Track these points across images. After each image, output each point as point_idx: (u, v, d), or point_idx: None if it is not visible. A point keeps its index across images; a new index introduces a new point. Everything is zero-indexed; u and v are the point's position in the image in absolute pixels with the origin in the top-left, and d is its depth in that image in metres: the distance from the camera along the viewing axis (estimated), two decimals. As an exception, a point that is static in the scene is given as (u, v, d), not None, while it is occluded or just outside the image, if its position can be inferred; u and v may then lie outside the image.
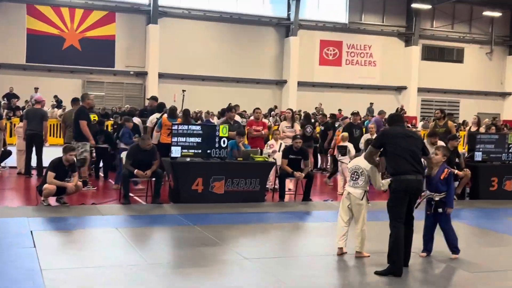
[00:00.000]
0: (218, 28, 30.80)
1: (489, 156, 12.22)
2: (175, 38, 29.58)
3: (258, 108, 13.55)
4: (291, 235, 8.49)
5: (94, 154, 12.90)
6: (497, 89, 36.64)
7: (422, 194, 6.74)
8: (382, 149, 6.47)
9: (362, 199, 6.74)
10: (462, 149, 16.24)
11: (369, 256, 6.78)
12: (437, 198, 6.83)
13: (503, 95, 36.78)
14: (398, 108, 31.50)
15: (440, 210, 6.83)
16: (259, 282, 5.83)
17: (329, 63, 33.15)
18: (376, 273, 6.10)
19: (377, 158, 6.69)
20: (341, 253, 6.83)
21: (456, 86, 35.24)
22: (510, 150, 12.34)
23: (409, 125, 27.78)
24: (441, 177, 6.83)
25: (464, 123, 29.65)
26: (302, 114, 19.26)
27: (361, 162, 6.82)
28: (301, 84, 31.85)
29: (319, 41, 32.87)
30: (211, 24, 30.62)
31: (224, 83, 30.64)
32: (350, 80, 33.23)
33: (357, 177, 6.78)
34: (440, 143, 10.36)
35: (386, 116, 12.57)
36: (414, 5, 32.37)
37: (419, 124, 29.80)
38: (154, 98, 15.01)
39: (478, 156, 12.18)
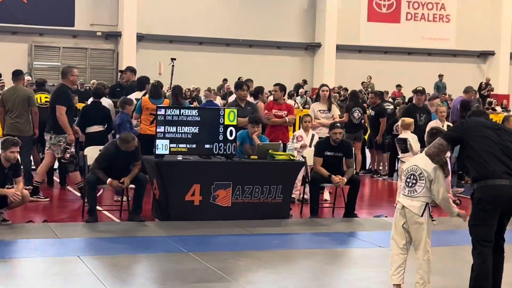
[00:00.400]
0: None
1: None
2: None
3: (277, 84, 13.22)
4: (326, 266, 8.47)
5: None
6: None
7: None
8: (458, 145, 6.38)
9: (422, 215, 6.53)
10: None
11: None
12: None
13: None
14: (482, 83, 31.35)
15: None
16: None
17: (382, 18, 33.12)
18: None
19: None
20: None
21: None
22: None
23: (499, 106, 27.60)
24: None
25: None
26: (348, 92, 19.21)
27: (421, 161, 6.65)
28: (341, 49, 31.83)
29: (367, -13, 32.82)
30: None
31: (231, 48, 30.71)
32: (412, 43, 33.18)
33: (414, 182, 6.56)
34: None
35: (476, 96, 12.54)
36: None
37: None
38: (131, 70, 14.90)
39: None
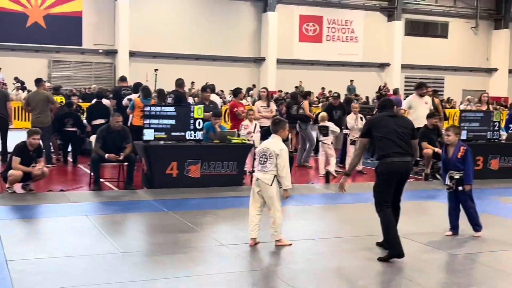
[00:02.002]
0: (192, 3, 30.61)
1: (474, 134, 12.36)
2: (146, 14, 29.30)
3: (240, 89, 13.82)
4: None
5: None
6: (483, 65, 37.01)
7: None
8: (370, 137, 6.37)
9: (271, 184, 6.39)
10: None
11: (290, 244, 6.58)
12: (456, 176, 7.04)
13: (489, 71, 37.15)
14: (380, 86, 31.71)
15: (460, 188, 7.06)
16: (236, 268, 5.84)
17: (309, 39, 33.14)
18: (379, 259, 6.04)
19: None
20: (254, 243, 6.50)
21: (441, 62, 35.51)
22: (495, 128, 12.49)
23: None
24: (458, 156, 7.06)
25: (449, 100, 29.95)
26: (289, 94, 19.31)
27: (271, 144, 6.45)
28: (280, 62, 31.83)
29: (298, 16, 32.85)
30: (185, 0, 30.38)
31: (199, 62, 30.51)
32: (331, 57, 33.33)
33: (265, 160, 6.38)
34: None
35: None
36: (397, -22, 32.49)
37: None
38: (122, 79, 14.77)
39: (463, 134, 12.30)
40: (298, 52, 32.77)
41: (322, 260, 6.22)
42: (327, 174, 11.87)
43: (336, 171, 12.56)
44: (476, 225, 7.18)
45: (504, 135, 13.03)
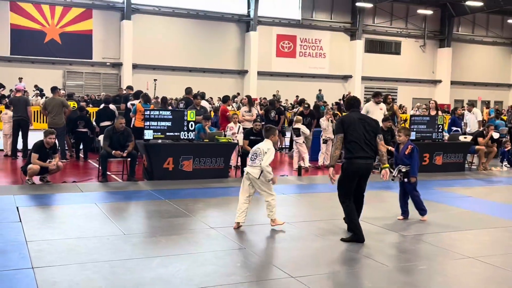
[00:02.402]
0: (186, 23, 30.43)
1: (422, 135, 12.48)
2: (147, 32, 29.13)
3: (229, 97, 13.99)
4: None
5: None
6: (429, 77, 37.34)
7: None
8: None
9: (259, 178, 6.44)
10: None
11: (283, 223, 6.68)
12: (403, 170, 7.20)
13: (435, 82, 37.51)
14: (344, 94, 31.83)
15: (406, 179, 7.20)
16: (223, 247, 5.83)
17: (284, 55, 33.16)
18: (342, 240, 6.08)
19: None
20: (237, 226, 6.56)
21: (394, 75, 35.77)
22: (440, 130, 12.63)
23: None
24: (406, 152, 7.21)
25: (401, 107, 30.14)
26: (268, 100, 19.22)
27: (263, 145, 6.56)
28: (260, 74, 31.83)
29: (275, 35, 32.83)
30: (180, 20, 30.25)
31: (192, 73, 30.39)
32: (303, 70, 33.41)
33: (255, 157, 6.49)
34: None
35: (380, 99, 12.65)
36: (358, 4, 32.71)
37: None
38: (129, 87, 14.94)
39: (412, 135, 12.42)
40: (275, 65, 32.78)
41: (295, 241, 6.23)
42: (299, 168, 11.91)
43: (308, 165, 12.63)
44: (421, 210, 7.29)
45: (446, 136, 13.17)
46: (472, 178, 11.85)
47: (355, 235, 6.07)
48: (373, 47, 35.51)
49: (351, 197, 6.21)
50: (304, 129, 12.43)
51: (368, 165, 6.17)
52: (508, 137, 16.66)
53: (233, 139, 11.36)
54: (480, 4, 31.53)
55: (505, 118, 18.77)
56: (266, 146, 6.52)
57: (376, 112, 12.70)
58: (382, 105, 13.01)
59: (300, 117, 12.84)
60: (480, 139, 13.15)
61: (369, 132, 6.16)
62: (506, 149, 14.33)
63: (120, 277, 4.75)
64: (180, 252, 5.58)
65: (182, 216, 7.24)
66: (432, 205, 8.03)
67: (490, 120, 17.60)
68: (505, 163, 14.14)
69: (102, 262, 5.13)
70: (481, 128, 14.02)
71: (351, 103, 6.53)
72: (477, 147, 13.06)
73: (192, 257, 5.39)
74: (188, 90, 13.42)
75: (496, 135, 13.71)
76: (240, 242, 6.01)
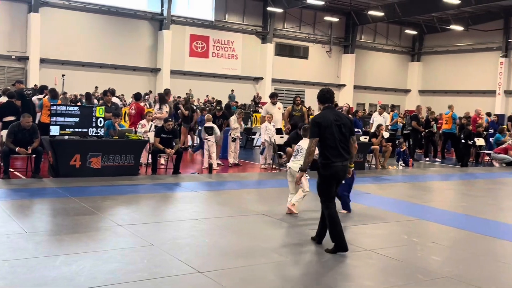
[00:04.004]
0: (97, 19, 29.33)
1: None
2: (56, 26, 27.76)
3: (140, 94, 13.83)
4: (160, 203, 8.36)
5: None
6: (335, 81, 38.71)
7: None
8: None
9: (298, 172, 6.45)
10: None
11: (296, 213, 7.39)
12: None
13: (339, 86, 38.96)
14: (255, 95, 32.28)
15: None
16: (130, 245, 5.66)
17: (198, 55, 32.96)
18: (326, 251, 5.68)
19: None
20: (290, 206, 7.40)
21: (302, 78, 36.74)
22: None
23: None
24: None
25: (309, 109, 30.99)
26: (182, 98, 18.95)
27: (303, 143, 7.36)
28: (173, 72, 31.41)
29: (189, 35, 32.54)
30: (91, 15, 29.10)
31: (103, 69, 29.38)
32: (216, 70, 33.38)
33: (297, 153, 7.31)
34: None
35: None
36: (269, 8, 33.25)
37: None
38: (19, 82, 14.04)
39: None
40: (188, 65, 32.50)
41: (203, 236, 6.20)
42: (210, 166, 11.89)
43: (217, 163, 12.65)
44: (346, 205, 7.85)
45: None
46: (370, 176, 12.43)
47: (338, 245, 5.63)
48: (282, 50, 36.23)
49: (334, 201, 5.80)
50: (216, 129, 12.43)
51: (345, 166, 5.75)
52: (403, 138, 17.71)
53: (143, 137, 11.11)
54: (381, 14, 33.17)
55: (404, 121, 19.87)
56: (305, 145, 6.74)
57: (274, 111, 13.40)
58: (279, 105, 13.85)
59: (211, 116, 12.82)
60: (373, 139, 13.88)
61: (344, 134, 5.72)
62: (401, 150, 15.18)
63: (20, 277, 4.47)
64: (85, 250, 5.36)
65: (89, 214, 6.96)
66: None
67: (393, 124, 18.59)
68: (401, 162, 14.97)
69: (0, 262, 4.80)
70: (373, 129, 14.71)
71: (326, 96, 5.89)
72: (372, 146, 13.76)
73: (97, 255, 5.19)
74: (166, 92, 14.05)
75: (386, 135, 14.67)
76: (148, 239, 5.87)
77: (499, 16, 35.26)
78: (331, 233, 5.68)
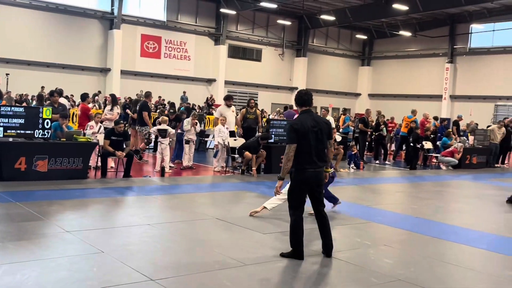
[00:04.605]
0: (44, 17, 28.42)
1: (279, 138, 12.95)
2: (0, 23, 26.67)
3: (88, 94, 13.27)
4: (111, 208, 8.13)
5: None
6: (287, 84, 39.05)
7: None
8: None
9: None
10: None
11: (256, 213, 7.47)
12: None
13: (291, 89, 39.29)
14: (208, 97, 32.09)
15: None
16: (78, 252, 5.45)
17: (149, 55, 32.48)
18: (281, 255, 5.60)
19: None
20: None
21: (255, 81, 36.86)
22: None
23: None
24: None
25: (263, 111, 31.16)
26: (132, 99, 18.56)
27: None
28: (124, 73, 30.83)
29: (140, 35, 32.03)
30: (38, 13, 28.17)
31: (50, 69, 28.46)
32: (168, 71, 33.00)
33: None
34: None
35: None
36: (222, 10, 33.19)
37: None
38: None
39: (273, 138, 12.87)
40: (139, 65, 31.97)
41: (156, 242, 6.05)
42: (163, 169, 11.70)
43: (170, 166, 12.47)
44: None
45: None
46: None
47: (294, 252, 5.56)
48: (236, 52, 36.22)
49: (302, 210, 5.58)
50: (171, 130, 12.27)
51: (318, 172, 5.54)
52: (354, 141, 18.03)
53: (92, 139, 10.81)
54: (332, 18, 33.71)
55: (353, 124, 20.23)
56: None
57: (228, 113, 13.42)
58: (233, 108, 13.88)
59: (166, 118, 12.64)
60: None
61: (321, 141, 5.55)
62: (353, 152, 15.44)
63: (-41, 289, 4.22)
64: (30, 258, 5.12)
65: (35, 219, 6.67)
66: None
67: (345, 127, 18.91)
68: (352, 165, 15.22)
69: None
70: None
71: (304, 98, 5.63)
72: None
73: (44, 263, 4.97)
74: (147, 94, 13.96)
75: (338, 138, 14.90)
76: (98, 246, 5.68)
77: (445, 23, 36.57)
78: (291, 239, 5.59)
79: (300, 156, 5.47)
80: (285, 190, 6.20)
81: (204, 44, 34.64)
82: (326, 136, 5.60)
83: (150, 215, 7.53)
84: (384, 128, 18.28)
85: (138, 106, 13.79)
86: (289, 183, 5.67)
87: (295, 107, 16.16)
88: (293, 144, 5.45)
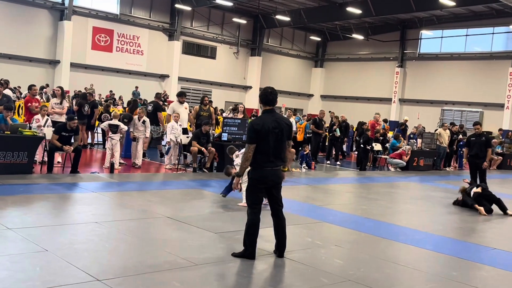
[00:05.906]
0: (-11, 4, 27.24)
1: (233, 136, 12.89)
2: None
3: (34, 85, 12.44)
4: (56, 205, 7.83)
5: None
6: (241, 83, 39.04)
7: None
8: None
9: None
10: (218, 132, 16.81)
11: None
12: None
13: (245, 88, 39.34)
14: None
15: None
16: (21, 250, 5.21)
17: (101, 48, 31.71)
18: (233, 255, 5.57)
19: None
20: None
21: (210, 78, 36.65)
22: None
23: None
24: None
25: (216, 109, 31.04)
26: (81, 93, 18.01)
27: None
28: (74, 65, 29.96)
29: (92, 27, 31.21)
30: (-18, 0, 26.99)
31: (-5, 59, 27.32)
32: (119, 65, 32.33)
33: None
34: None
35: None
36: (177, 5, 32.82)
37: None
38: None
39: (224, 136, 12.80)
40: (90, 58, 31.14)
41: (103, 241, 5.86)
42: (112, 165, 11.42)
43: (120, 163, 12.21)
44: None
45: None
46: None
47: (246, 251, 5.53)
48: (190, 49, 35.88)
49: (259, 208, 5.57)
50: (122, 126, 12.01)
51: (275, 171, 5.54)
52: (306, 141, 18.18)
53: (38, 132, 10.41)
54: (287, 19, 33.93)
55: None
56: None
57: (181, 110, 13.35)
58: (186, 104, 13.87)
59: (119, 113, 12.38)
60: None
61: (280, 141, 5.52)
62: (305, 153, 15.56)
63: None
64: (-32, 257, 4.85)
65: (-26, 216, 6.34)
66: (236, 204, 8.26)
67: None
68: (304, 165, 15.34)
69: None
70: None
71: (269, 98, 5.58)
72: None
73: (-18, 263, 4.71)
74: (158, 96, 14.40)
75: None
76: (42, 244, 5.44)
77: (396, 28, 37.50)
78: (245, 238, 5.55)
79: (258, 155, 5.46)
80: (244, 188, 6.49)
81: (158, 39, 34.14)
82: (286, 137, 5.58)
83: (98, 213, 7.30)
84: (337, 129, 18.52)
85: (151, 107, 13.83)
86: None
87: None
88: (252, 144, 5.44)
